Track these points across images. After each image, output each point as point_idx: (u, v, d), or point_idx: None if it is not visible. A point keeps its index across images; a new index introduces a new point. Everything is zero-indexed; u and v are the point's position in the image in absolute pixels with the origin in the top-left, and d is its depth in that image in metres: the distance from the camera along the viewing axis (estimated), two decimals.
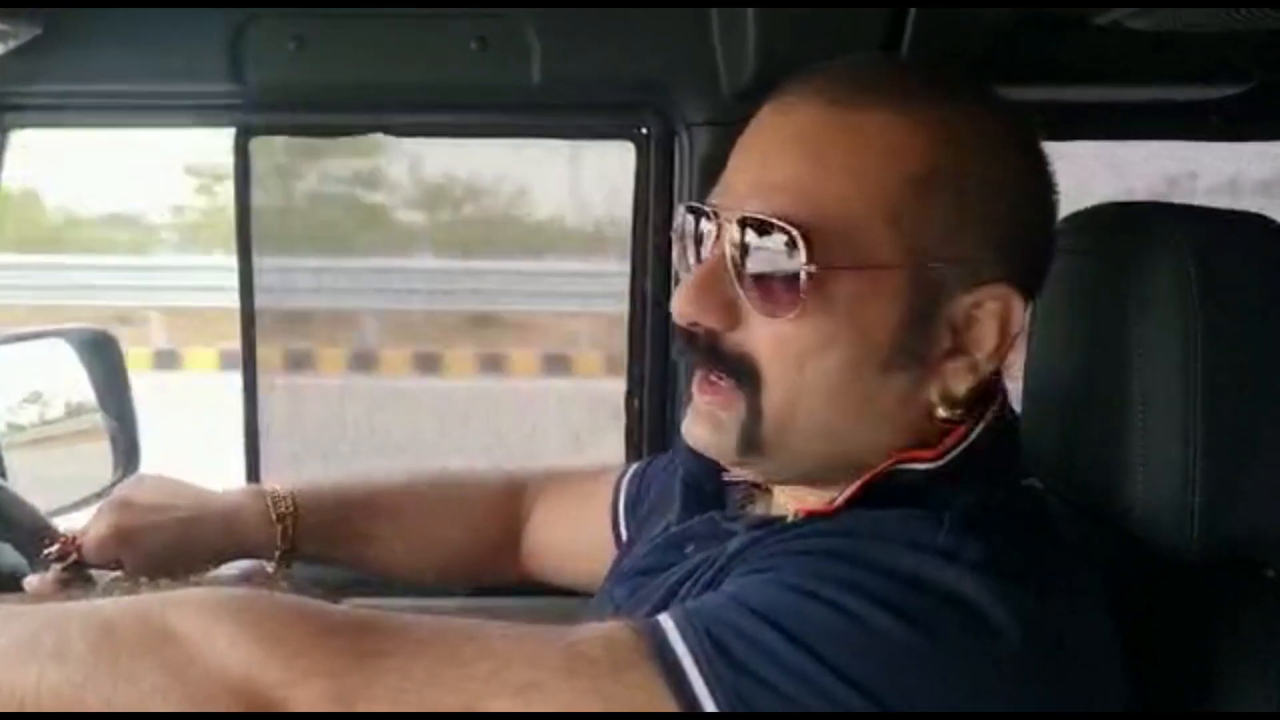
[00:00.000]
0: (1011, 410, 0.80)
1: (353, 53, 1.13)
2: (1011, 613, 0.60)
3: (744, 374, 0.69)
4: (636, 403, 1.30)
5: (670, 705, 0.58)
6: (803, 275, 0.66)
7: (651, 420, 1.29)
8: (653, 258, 1.26)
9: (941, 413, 0.69)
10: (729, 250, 0.68)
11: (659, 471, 1.01)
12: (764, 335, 0.68)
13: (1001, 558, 0.63)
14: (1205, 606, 0.73)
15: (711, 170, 1.09)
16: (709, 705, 0.58)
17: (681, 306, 0.70)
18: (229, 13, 1.11)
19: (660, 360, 1.29)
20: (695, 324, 0.70)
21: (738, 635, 0.60)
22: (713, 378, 0.71)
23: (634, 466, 1.07)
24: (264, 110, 1.19)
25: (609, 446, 1.39)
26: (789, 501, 0.77)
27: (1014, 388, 0.87)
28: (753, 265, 0.67)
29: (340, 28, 1.12)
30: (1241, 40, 1.04)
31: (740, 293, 0.68)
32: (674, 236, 0.76)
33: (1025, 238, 0.71)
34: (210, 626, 0.61)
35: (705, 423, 0.72)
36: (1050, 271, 0.79)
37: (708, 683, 0.58)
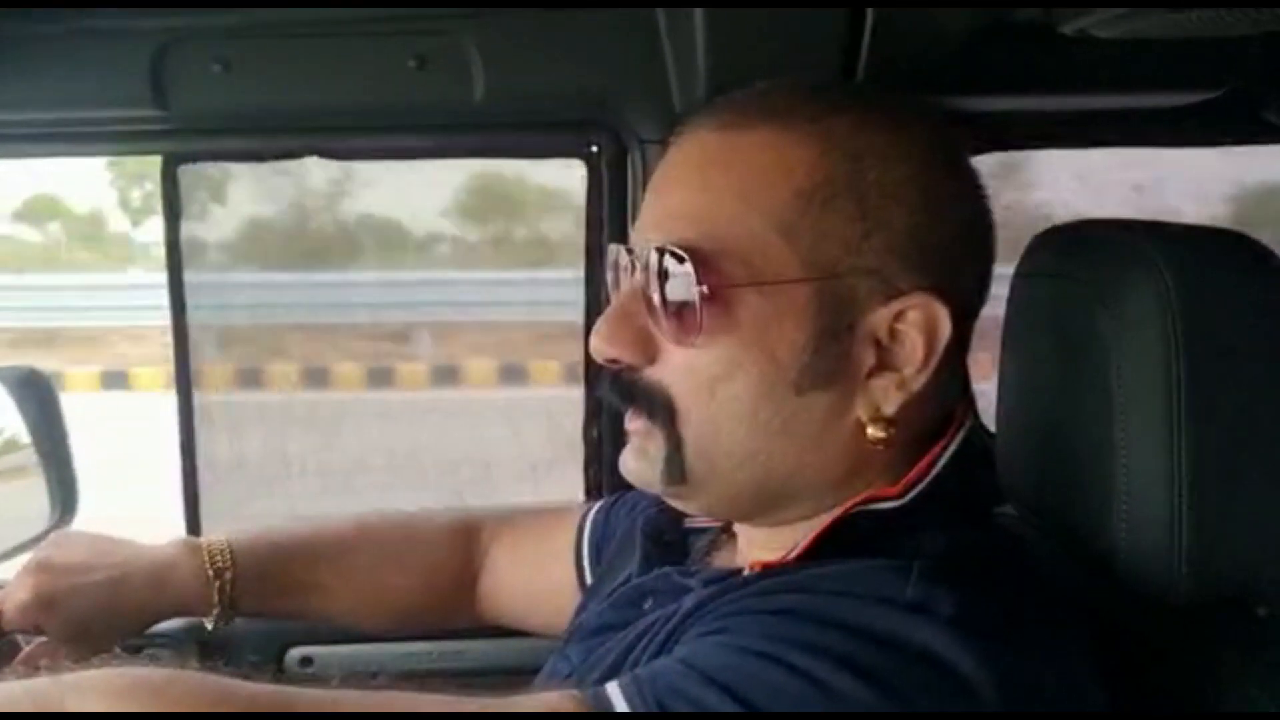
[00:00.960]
0: (983, 434, 0.76)
1: (283, 75, 1.07)
2: (987, 669, 0.56)
3: (659, 406, 0.68)
4: (595, 432, 1.25)
5: None
6: (696, 297, 0.65)
7: (610, 450, 1.23)
8: (608, 279, 1.20)
9: (872, 432, 0.67)
10: (641, 283, 0.68)
11: (624, 513, 0.96)
12: (676, 365, 0.68)
13: (975, 610, 0.59)
14: (1197, 649, 0.69)
15: None
16: None
17: (596, 343, 0.70)
18: (149, 36, 1.04)
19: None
20: (614, 360, 0.70)
21: (688, 703, 0.56)
22: (633, 412, 0.71)
23: (598, 505, 1.02)
24: (191, 136, 1.13)
25: None
26: (749, 550, 0.73)
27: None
28: (658, 295, 0.67)
29: (268, 49, 1.06)
30: (1211, 46, 1.01)
31: (653, 325, 0.68)
32: (609, 276, 0.76)
33: (940, 245, 0.69)
34: (114, 710, 0.56)
35: (633, 454, 0.72)
36: (1022, 294, 0.76)
37: None
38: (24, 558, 1.22)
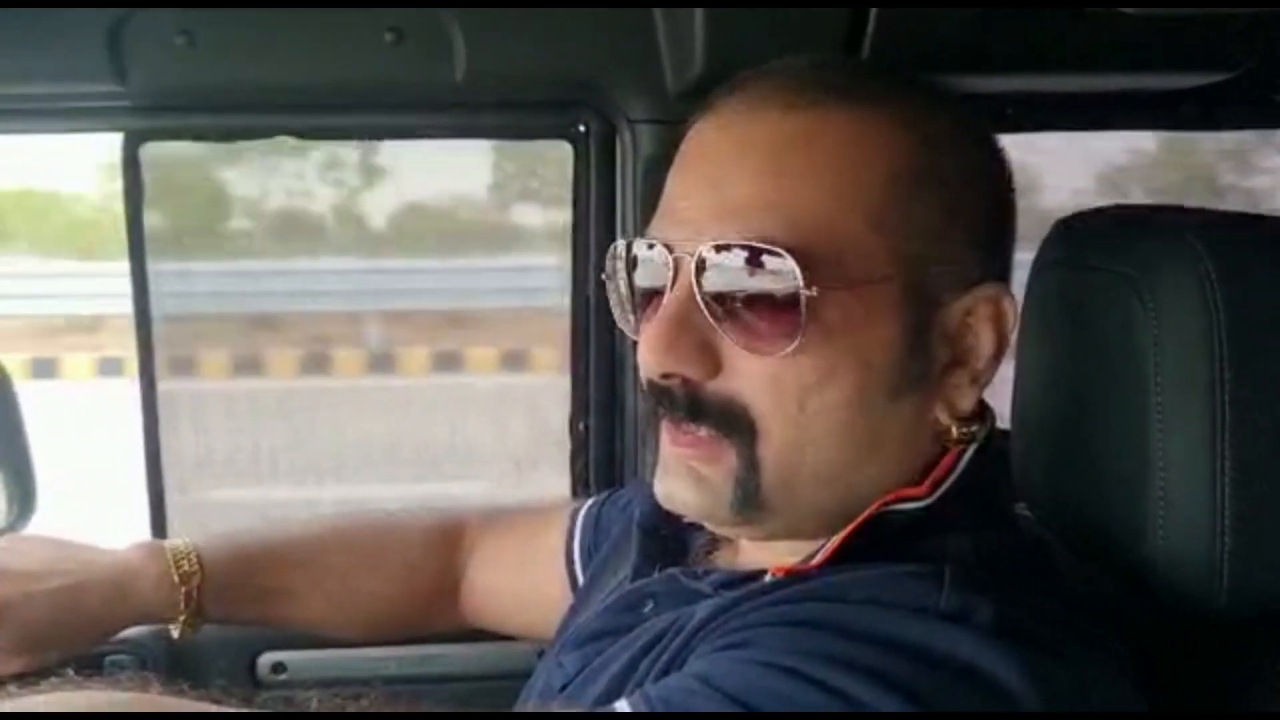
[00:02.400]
0: (999, 431, 0.72)
1: (251, 48, 1.01)
2: (1032, 681, 0.53)
3: (734, 423, 0.61)
4: (582, 426, 1.20)
5: None
6: (802, 300, 0.58)
7: (598, 446, 1.18)
8: (595, 266, 1.15)
9: (956, 432, 0.64)
10: (696, 287, 0.61)
11: (617, 510, 0.92)
12: (754, 376, 0.61)
13: (1015, 619, 0.55)
14: (1236, 665, 0.66)
15: (656, 171, 0.99)
16: None
17: (653, 357, 0.62)
18: (106, 6, 0.97)
19: (605, 378, 1.19)
20: (669, 375, 0.62)
21: None
22: (694, 430, 0.63)
23: (589, 503, 0.97)
24: (152, 113, 1.06)
25: None
26: (763, 555, 0.68)
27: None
28: (733, 299, 0.60)
29: (234, 20, 0.99)
30: (1222, 28, 0.97)
31: (718, 332, 0.61)
32: (608, 278, 0.68)
33: (1002, 231, 0.66)
34: None
35: (687, 481, 0.64)
36: (1044, 285, 0.72)
37: None
38: None
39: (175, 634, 0.92)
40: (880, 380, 0.61)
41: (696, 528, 0.78)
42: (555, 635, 0.82)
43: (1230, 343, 0.61)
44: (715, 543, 0.76)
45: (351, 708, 0.55)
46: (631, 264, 0.67)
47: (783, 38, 0.91)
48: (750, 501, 0.62)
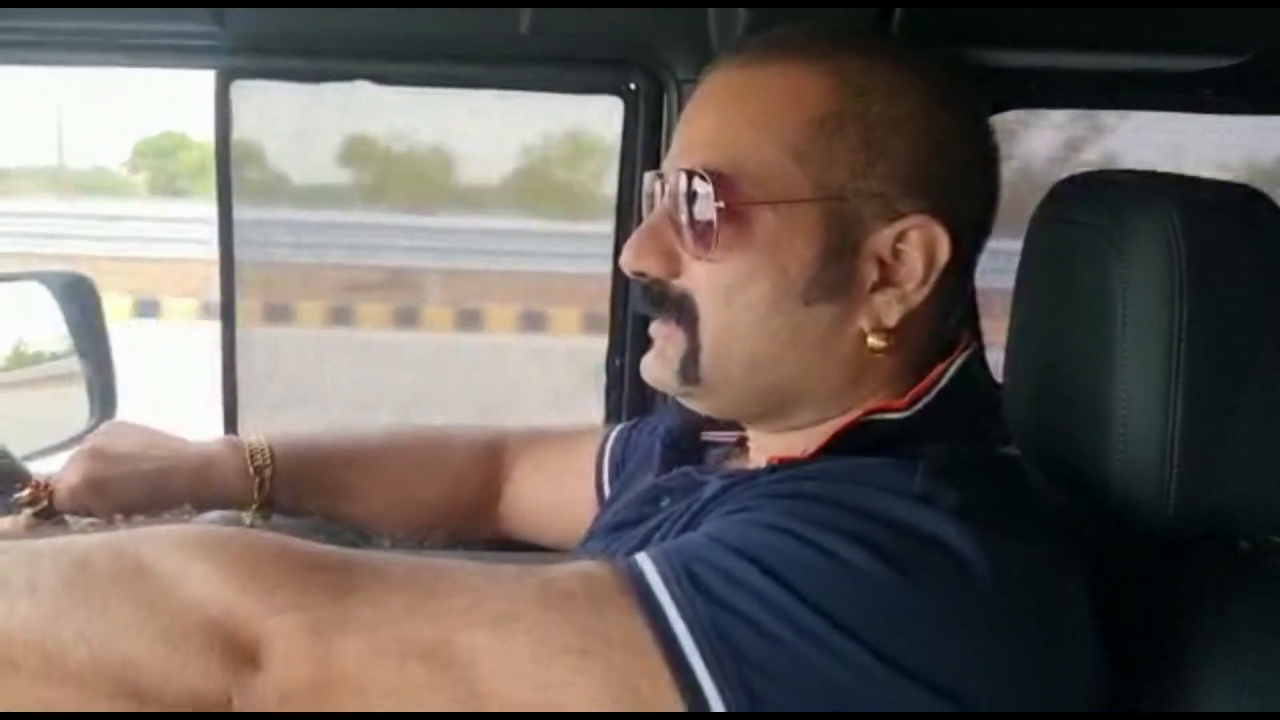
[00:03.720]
0: (989, 377, 0.81)
1: None
2: (986, 556, 0.61)
3: (684, 311, 0.75)
4: (617, 363, 1.30)
5: (646, 638, 0.58)
6: (714, 214, 0.71)
7: (632, 381, 1.28)
8: (639, 216, 1.24)
9: (872, 341, 0.73)
10: (667, 204, 0.75)
11: (644, 434, 1.01)
12: (698, 275, 0.74)
13: (975, 504, 0.64)
14: (1181, 578, 0.73)
15: None
16: (684, 638, 0.58)
17: (626, 257, 0.76)
18: None
19: (641, 319, 1.28)
20: (642, 273, 0.76)
21: (714, 571, 0.60)
22: (662, 319, 0.77)
23: (619, 428, 1.07)
24: (245, 54, 1.17)
25: None
26: (763, 456, 0.78)
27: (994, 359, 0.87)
28: (682, 213, 0.73)
29: None
30: (1240, 10, 1.03)
31: (677, 241, 0.74)
32: (645, 202, 0.82)
33: (940, 174, 0.74)
34: (186, 562, 0.61)
35: (653, 357, 0.78)
36: (1037, 239, 0.80)
37: (684, 616, 0.59)
38: (65, 455, 1.28)
39: (247, 520, 1.03)
40: (794, 286, 0.72)
41: (714, 443, 0.88)
42: (586, 531, 0.92)
43: (1190, 292, 0.68)
44: (728, 455, 0.86)
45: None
46: (651, 196, 0.81)
47: (818, 5, 0.99)
48: (691, 374, 0.75)
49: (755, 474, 0.73)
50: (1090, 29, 1.04)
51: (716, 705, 0.57)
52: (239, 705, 0.59)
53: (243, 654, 0.59)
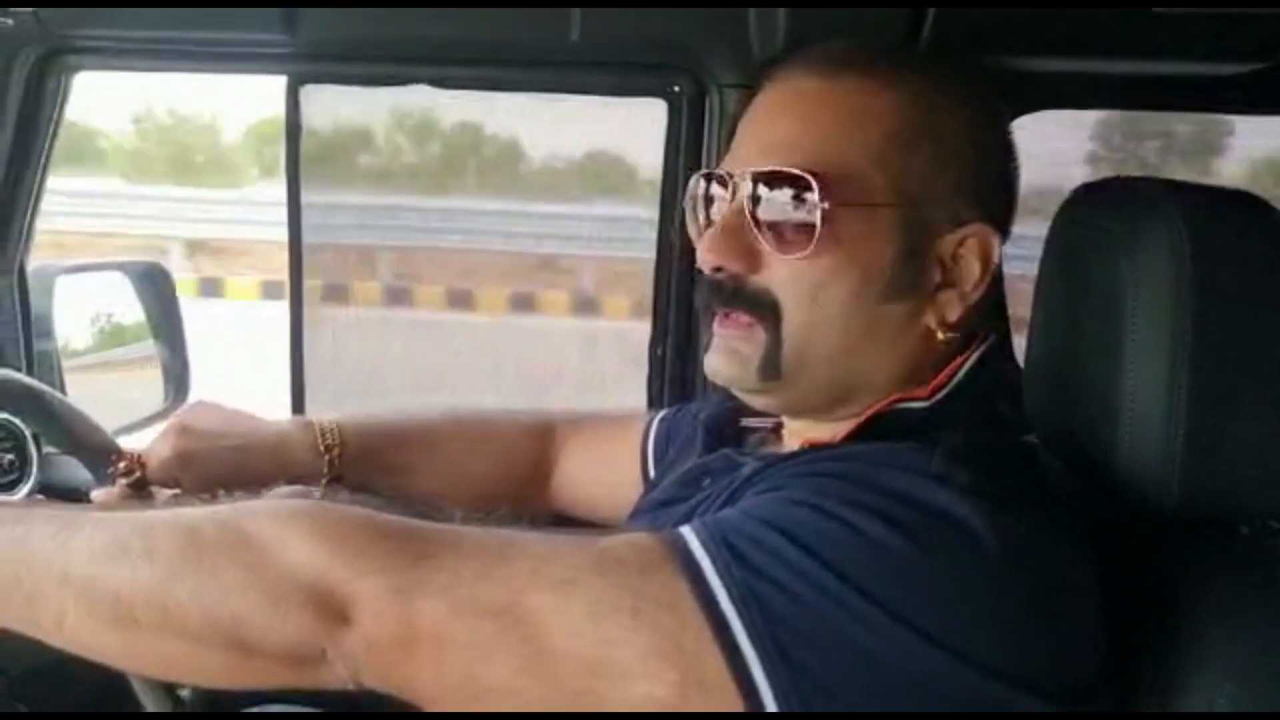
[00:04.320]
0: (1014, 366, 0.87)
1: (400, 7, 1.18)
2: (994, 531, 0.66)
3: (765, 308, 0.79)
4: (660, 350, 1.37)
5: (689, 600, 0.65)
6: (818, 214, 0.76)
7: (673, 367, 1.35)
8: (680, 213, 1.31)
9: (942, 336, 0.80)
10: (746, 203, 0.79)
11: (686, 420, 1.08)
12: (781, 272, 0.79)
13: (986, 485, 0.69)
14: (1182, 560, 0.78)
15: None
16: (723, 600, 0.64)
17: (707, 255, 0.80)
18: None
19: (685, 310, 1.35)
20: (719, 270, 0.80)
21: (749, 541, 0.66)
22: (734, 316, 0.80)
23: (663, 414, 1.14)
24: (314, 60, 1.25)
25: None
26: (796, 440, 0.85)
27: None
28: (767, 213, 0.78)
29: None
30: (1262, 18, 1.07)
31: (759, 239, 0.79)
32: (687, 202, 0.86)
33: (990, 183, 0.82)
34: (282, 531, 0.68)
35: (726, 355, 0.82)
36: (1056, 242, 0.85)
37: (723, 581, 0.65)
38: (143, 433, 1.38)
39: (317, 495, 1.11)
40: (874, 285, 0.78)
41: (752, 429, 0.95)
42: (631, 509, 0.99)
43: (1194, 293, 0.73)
44: (764, 441, 0.93)
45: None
46: (707, 197, 0.84)
47: (854, 18, 1.05)
48: (772, 371, 0.79)
49: (788, 457, 0.80)
50: (1110, 39, 1.08)
51: (752, 660, 0.63)
52: (332, 657, 0.67)
53: (335, 612, 0.66)
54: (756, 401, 0.85)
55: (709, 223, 0.83)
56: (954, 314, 0.80)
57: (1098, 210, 0.83)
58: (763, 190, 0.78)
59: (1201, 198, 0.78)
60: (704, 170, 0.86)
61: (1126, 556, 0.79)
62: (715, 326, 0.82)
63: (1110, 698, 0.72)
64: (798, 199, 0.77)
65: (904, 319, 0.80)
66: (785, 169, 0.77)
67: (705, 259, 0.81)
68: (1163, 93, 1.23)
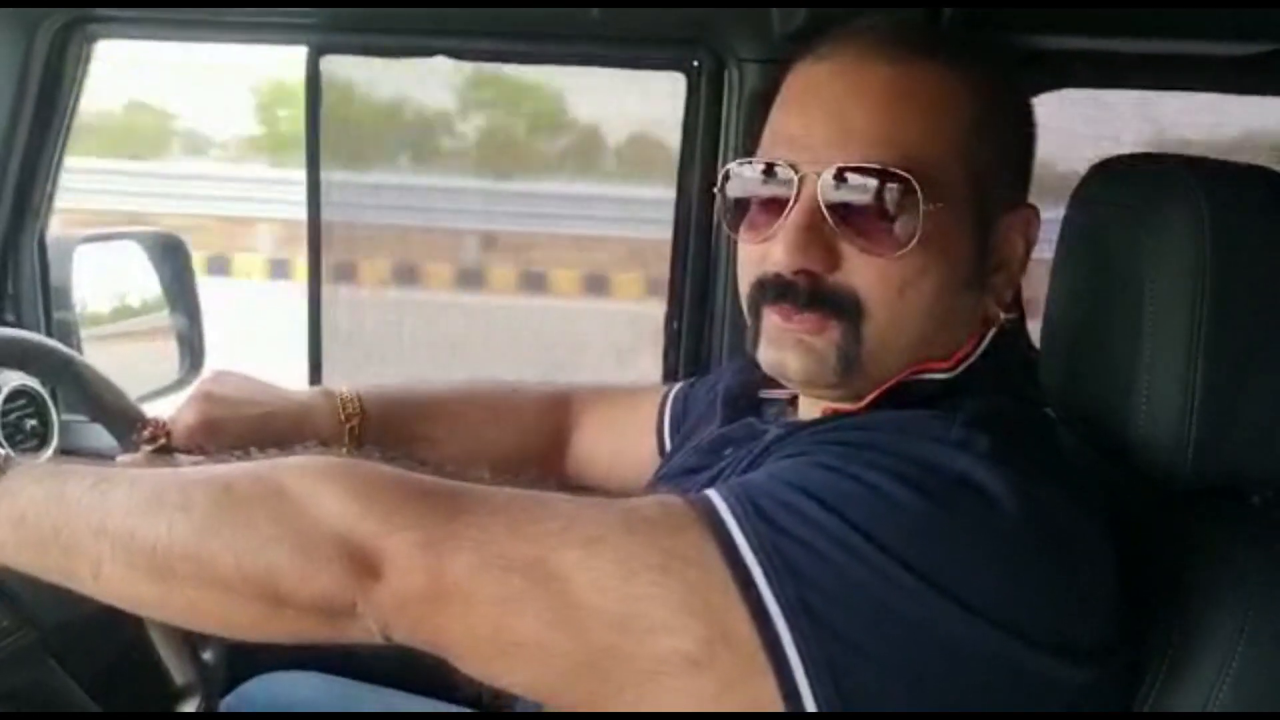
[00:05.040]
0: (1028, 343, 0.88)
1: None
2: (1012, 494, 0.68)
3: (847, 308, 0.77)
4: (675, 324, 1.38)
5: (717, 558, 0.66)
6: (919, 215, 0.74)
7: (689, 341, 1.36)
8: (698, 187, 1.32)
9: (1003, 317, 0.82)
10: (823, 199, 0.76)
11: (702, 392, 1.09)
12: (866, 271, 0.76)
13: (1005, 451, 0.70)
14: (1195, 528, 0.79)
15: (758, 105, 1.15)
16: (750, 559, 0.66)
17: (788, 257, 0.76)
18: None
19: (700, 284, 1.36)
20: (799, 271, 0.77)
21: (775, 502, 0.67)
22: (802, 312, 0.77)
23: (679, 386, 1.15)
24: (335, 30, 1.25)
25: None
26: (815, 409, 0.86)
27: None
28: (851, 211, 0.75)
29: None
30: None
31: (840, 238, 0.76)
32: (731, 187, 0.82)
33: (1028, 164, 0.83)
34: (316, 485, 0.69)
35: (796, 351, 0.79)
36: (1075, 218, 0.86)
37: (749, 540, 0.66)
38: (159, 402, 1.39)
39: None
40: (958, 276, 0.78)
41: (770, 400, 0.96)
42: (652, 478, 1.01)
43: (1213, 268, 0.74)
44: (782, 410, 0.94)
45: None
46: (750, 180, 0.81)
47: None
48: (851, 366, 0.78)
49: (811, 423, 0.81)
50: (1131, 17, 1.09)
51: (777, 615, 0.64)
52: (362, 611, 0.68)
53: (366, 566, 0.67)
54: (822, 396, 0.83)
55: (759, 213, 0.80)
56: (1008, 293, 0.81)
57: (1117, 186, 0.83)
58: (843, 186, 0.75)
59: (1221, 174, 0.79)
60: (746, 160, 0.81)
61: (1140, 526, 0.80)
62: (778, 320, 0.79)
63: (1123, 662, 0.74)
64: (890, 197, 0.74)
65: (973, 304, 0.81)
66: (877, 165, 0.74)
67: (784, 261, 0.77)
68: (1181, 72, 1.24)
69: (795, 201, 0.76)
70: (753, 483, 0.71)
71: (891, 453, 0.69)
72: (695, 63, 1.27)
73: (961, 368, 0.81)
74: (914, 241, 0.75)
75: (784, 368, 0.80)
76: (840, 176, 0.75)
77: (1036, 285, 0.89)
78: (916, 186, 0.74)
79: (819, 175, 0.75)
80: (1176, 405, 0.76)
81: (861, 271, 0.76)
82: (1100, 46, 1.19)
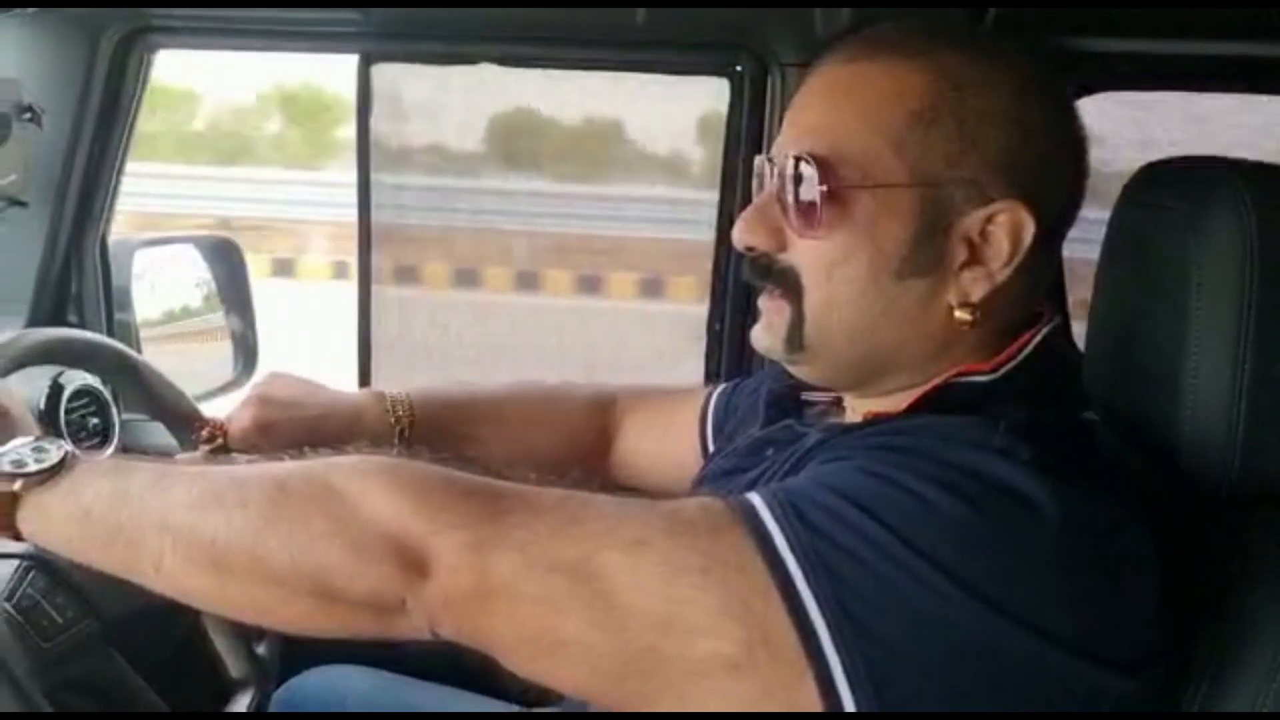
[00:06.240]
0: (1073, 346, 0.87)
1: None
2: (1055, 503, 0.67)
3: (789, 285, 0.82)
4: (717, 326, 1.39)
5: (758, 562, 0.66)
6: (817, 196, 0.78)
7: (731, 343, 1.37)
8: (740, 190, 1.33)
9: (959, 315, 0.80)
10: (776, 186, 0.82)
11: (745, 394, 1.10)
12: (802, 251, 0.81)
13: (1048, 460, 0.70)
14: (1238, 537, 0.78)
15: None
16: (791, 563, 0.66)
17: (737, 234, 0.84)
18: None
19: (742, 286, 1.36)
20: (751, 248, 0.84)
21: (816, 507, 0.68)
22: (769, 291, 0.84)
23: (722, 388, 1.16)
24: (385, 38, 1.28)
25: None
26: (858, 413, 0.87)
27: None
28: (790, 195, 0.80)
29: None
30: None
31: (784, 220, 0.82)
32: (755, 181, 0.89)
33: (1029, 163, 0.80)
34: (367, 485, 0.71)
35: (762, 328, 0.86)
36: (1120, 222, 0.86)
37: (790, 544, 0.67)
38: (216, 401, 1.43)
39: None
40: (889, 263, 0.79)
41: (811, 402, 0.97)
42: (694, 479, 1.02)
43: (1260, 268, 0.73)
44: (824, 412, 0.95)
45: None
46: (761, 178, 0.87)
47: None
48: (797, 342, 0.82)
49: (852, 427, 0.82)
50: (1173, 19, 1.08)
51: (818, 620, 0.65)
52: (411, 607, 0.70)
53: (414, 564, 0.69)
54: (795, 370, 0.88)
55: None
56: (977, 292, 0.80)
57: (1162, 189, 0.83)
58: (789, 172, 0.80)
59: (1268, 176, 0.78)
60: (758, 154, 0.89)
61: (1184, 533, 0.79)
62: (759, 301, 0.86)
63: (1165, 672, 0.73)
64: (806, 180, 0.79)
65: (924, 296, 0.80)
66: (800, 153, 0.79)
67: (735, 237, 0.84)
68: (1227, 73, 1.22)
69: (764, 188, 0.84)
70: (794, 487, 0.71)
71: (933, 458, 0.69)
72: (738, 68, 1.28)
73: (1003, 371, 0.81)
74: (820, 222, 0.79)
75: (754, 341, 0.87)
76: (794, 166, 0.80)
77: (1085, 287, 0.89)
78: (815, 171, 0.78)
79: (777, 167, 0.82)
80: (1223, 409, 0.76)
81: (798, 250, 0.81)
82: (1145, 48, 1.18)
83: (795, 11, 1.18)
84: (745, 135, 1.31)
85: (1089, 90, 1.18)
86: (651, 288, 5.10)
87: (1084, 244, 0.92)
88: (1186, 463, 0.79)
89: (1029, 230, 0.79)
